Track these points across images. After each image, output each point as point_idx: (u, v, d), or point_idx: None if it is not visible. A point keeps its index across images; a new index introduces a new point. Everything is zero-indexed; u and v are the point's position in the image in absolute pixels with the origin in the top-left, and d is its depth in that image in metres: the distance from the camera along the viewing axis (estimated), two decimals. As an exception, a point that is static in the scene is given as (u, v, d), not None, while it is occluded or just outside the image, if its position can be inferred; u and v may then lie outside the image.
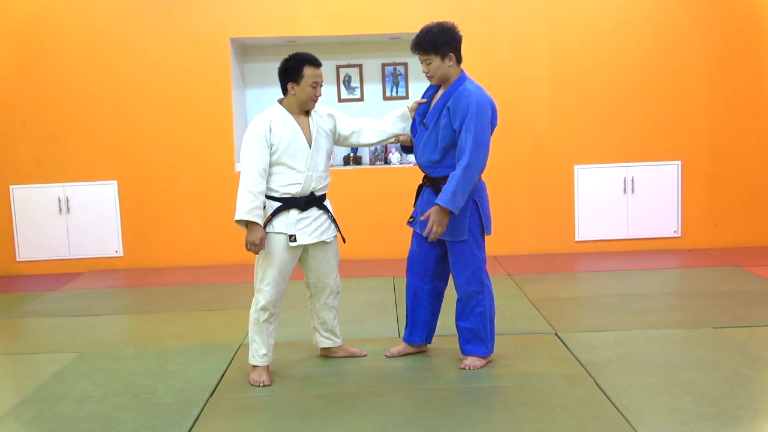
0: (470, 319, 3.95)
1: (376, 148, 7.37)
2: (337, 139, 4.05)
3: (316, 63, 3.82)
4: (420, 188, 4.09)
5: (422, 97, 4.06)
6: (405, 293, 4.20)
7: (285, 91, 3.85)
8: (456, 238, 3.86)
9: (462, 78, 3.86)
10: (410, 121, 4.04)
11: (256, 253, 3.78)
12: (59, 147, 7.03)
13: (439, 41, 3.78)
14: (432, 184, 3.93)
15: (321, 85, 3.85)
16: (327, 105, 7.16)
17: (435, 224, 3.73)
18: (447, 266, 4.07)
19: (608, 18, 7.04)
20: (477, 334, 3.96)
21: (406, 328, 4.22)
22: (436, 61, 3.80)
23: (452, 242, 3.89)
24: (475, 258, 3.89)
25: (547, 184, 7.17)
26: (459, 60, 3.86)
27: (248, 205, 3.69)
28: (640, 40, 7.06)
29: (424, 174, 4.01)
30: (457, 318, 4.01)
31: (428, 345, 4.27)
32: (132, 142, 7.06)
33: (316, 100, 3.87)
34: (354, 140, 4.08)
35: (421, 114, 3.98)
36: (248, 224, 3.72)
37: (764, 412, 3.37)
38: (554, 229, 7.21)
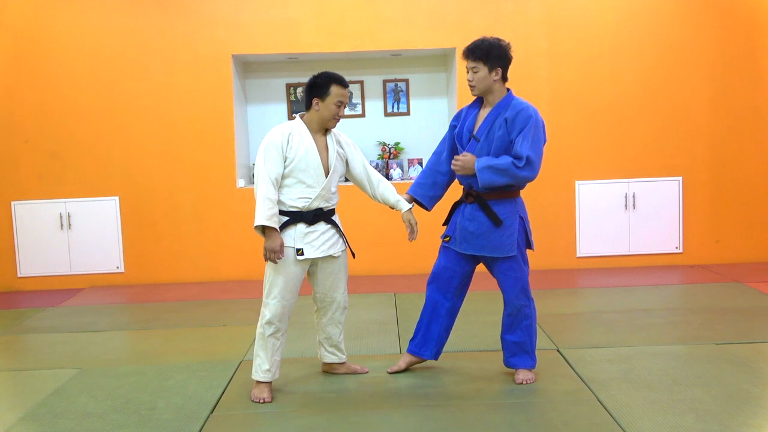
0: (517, 333, 3.97)
1: (377, 164, 7.38)
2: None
3: (343, 83, 3.87)
4: (456, 205, 4.07)
5: (456, 116, 4.08)
6: (423, 306, 4.15)
7: (309, 105, 3.89)
8: (505, 254, 3.87)
9: (512, 94, 3.91)
10: (410, 206, 4.06)
11: (275, 261, 3.76)
12: (61, 163, 7.05)
13: (491, 53, 3.83)
14: (477, 199, 3.90)
15: (345, 106, 3.89)
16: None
17: (462, 164, 3.82)
18: (469, 285, 4.11)
19: (608, 35, 7.08)
20: (523, 347, 3.99)
21: (413, 340, 4.17)
22: (483, 71, 3.83)
23: (501, 259, 3.90)
24: (523, 272, 3.94)
25: (548, 200, 7.16)
26: (505, 78, 3.90)
27: (268, 212, 3.69)
28: (641, 57, 7.09)
29: (464, 190, 3.99)
30: (505, 331, 4.02)
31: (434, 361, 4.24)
32: (133, 158, 7.08)
33: (338, 120, 3.90)
34: (356, 181, 4.09)
35: (469, 129, 3.96)
36: (266, 231, 3.72)
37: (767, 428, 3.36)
38: (556, 244, 7.21)
